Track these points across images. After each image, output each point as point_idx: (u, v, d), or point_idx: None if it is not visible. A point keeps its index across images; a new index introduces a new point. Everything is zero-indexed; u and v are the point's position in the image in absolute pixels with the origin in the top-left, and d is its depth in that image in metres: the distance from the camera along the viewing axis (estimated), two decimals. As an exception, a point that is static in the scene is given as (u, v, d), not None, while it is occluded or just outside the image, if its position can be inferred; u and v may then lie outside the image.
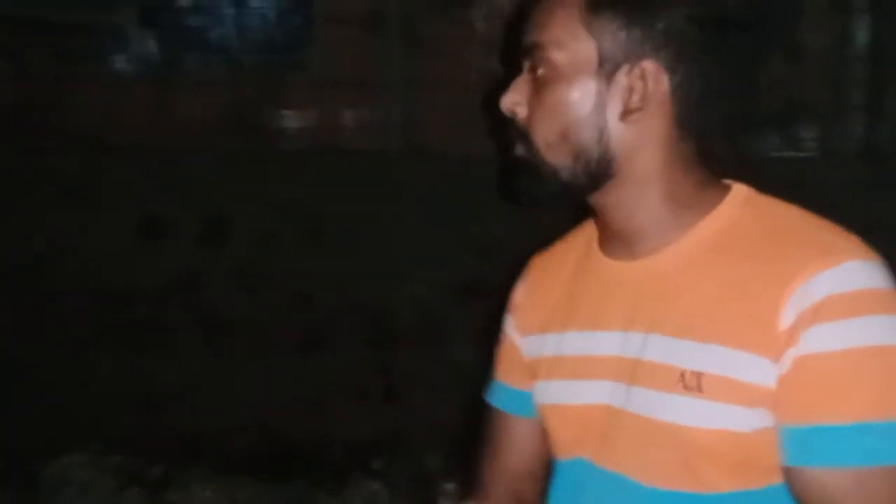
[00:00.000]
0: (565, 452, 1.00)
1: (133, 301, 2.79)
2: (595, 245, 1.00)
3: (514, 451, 1.10)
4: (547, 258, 1.10)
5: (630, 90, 0.91)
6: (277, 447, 2.74)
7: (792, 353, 0.82)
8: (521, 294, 1.10)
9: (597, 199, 0.96)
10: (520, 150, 0.94)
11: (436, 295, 2.63)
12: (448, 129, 2.55)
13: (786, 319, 0.82)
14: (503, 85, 0.95)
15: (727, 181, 0.96)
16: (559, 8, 0.93)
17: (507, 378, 1.11)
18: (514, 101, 0.94)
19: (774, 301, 0.83)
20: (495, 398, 1.13)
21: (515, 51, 0.96)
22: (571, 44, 0.92)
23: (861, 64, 2.34)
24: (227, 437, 2.76)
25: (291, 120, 2.68)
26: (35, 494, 2.64)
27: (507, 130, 0.95)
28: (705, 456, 0.86)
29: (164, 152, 2.68)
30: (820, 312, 0.81)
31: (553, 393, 1.01)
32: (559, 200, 0.96)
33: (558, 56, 0.92)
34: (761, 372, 0.83)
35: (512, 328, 1.11)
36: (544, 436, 1.05)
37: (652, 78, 0.91)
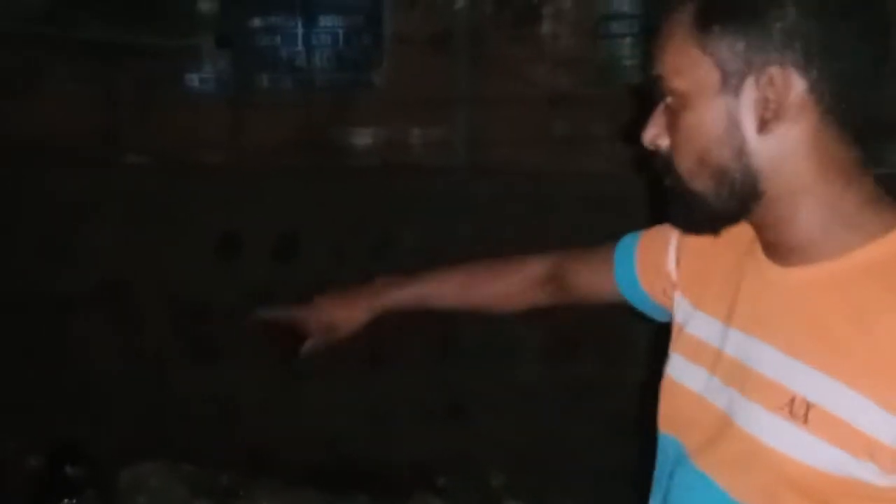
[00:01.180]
0: (666, 429, 1.01)
1: (208, 315, 2.85)
2: (758, 242, 0.96)
3: (583, 277, 1.26)
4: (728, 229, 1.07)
5: (762, 101, 0.86)
6: (343, 462, 2.76)
7: None
8: (694, 241, 1.07)
9: (751, 219, 0.92)
10: (667, 180, 0.93)
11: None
12: (515, 145, 2.55)
13: None
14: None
15: None
16: (669, 34, 0.90)
17: (641, 268, 1.16)
18: (654, 134, 0.93)
19: None
20: (620, 259, 1.20)
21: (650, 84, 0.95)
22: (689, 69, 0.88)
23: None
24: (294, 450, 2.78)
25: (361, 138, 2.71)
26: (111, 500, 2.71)
27: (655, 163, 0.95)
28: (790, 486, 0.83)
29: (239, 171, 2.75)
30: None
31: (670, 364, 1.01)
32: (715, 225, 0.94)
33: (680, 83, 0.89)
34: (889, 428, 0.77)
35: (674, 250, 1.11)
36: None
37: (781, 83, 0.85)
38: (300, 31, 2.70)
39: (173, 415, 2.84)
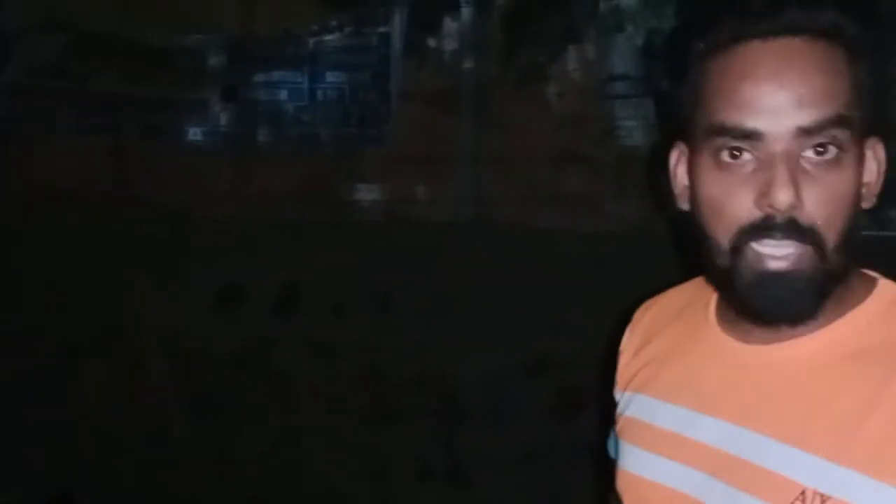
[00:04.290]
0: None
1: (208, 367, 2.83)
2: (711, 314, 0.90)
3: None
4: (651, 313, 1.00)
5: (876, 171, 0.79)
6: (341, 521, 2.72)
7: None
8: (624, 353, 1.02)
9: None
10: (803, 258, 0.77)
11: (505, 370, 2.60)
12: (519, 203, 2.56)
13: None
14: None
15: (869, 272, 0.86)
16: (832, 70, 0.76)
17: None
18: (795, 197, 0.76)
19: None
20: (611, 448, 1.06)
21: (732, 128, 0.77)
22: (853, 113, 0.77)
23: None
24: (292, 505, 2.75)
25: (365, 193, 2.73)
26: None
27: (772, 232, 0.77)
28: None
29: (242, 223, 2.76)
30: None
31: (632, 460, 0.93)
32: (816, 308, 0.81)
33: (847, 134, 0.76)
34: None
35: (615, 390, 1.02)
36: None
37: (882, 152, 0.80)
38: (306, 86, 2.73)
39: (171, 467, 2.81)
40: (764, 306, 0.80)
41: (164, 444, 2.83)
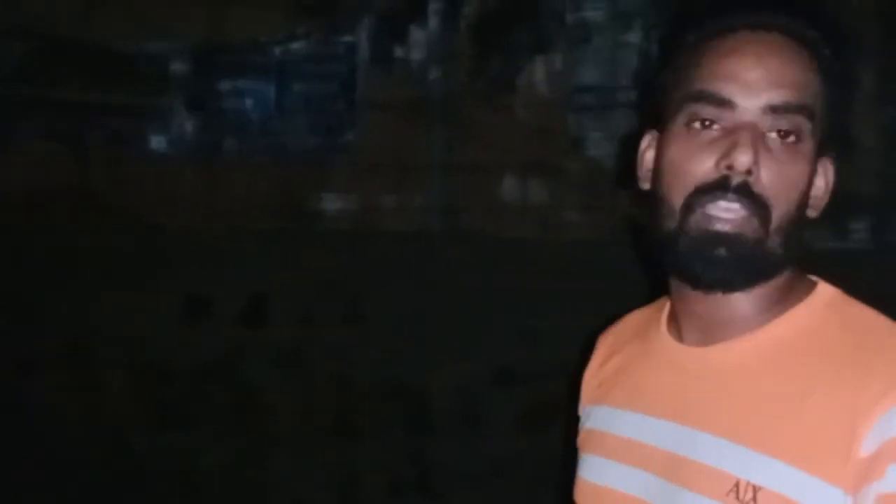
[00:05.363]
0: None
1: (173, 379, 2.80)
2: (663, 324, 0.93)
3: None
4: (613, 332, 1.04)
5: (824, 180, 0.86)
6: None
7: (876, 489, 0.73)
8: (587, 371, 1.05)
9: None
10: (748, 223, 0.81)
11: (474, 380, 2.60)
12: (488, 212, 2.57)
13: (867, 447, 0.74)
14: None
15: (813, 277, 0.89)
16: (807, 69, 0.83)
17: None
18: (755, 162, 0.81)
19: (852, 424, 0.75)
20: None
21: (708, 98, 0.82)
22: (818, 113, 0.83)
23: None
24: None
25: (334, 202, 2.72)
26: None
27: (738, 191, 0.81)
28: None
29: (209, 233, 2.73)
30: None
31: (589, 469, 0.95)
32: (756, 281, 0.85)
33: (811, 125, 0.82)
34: (830, 501, 0.75)
35: (579, 407, 1.05)
36: None
37: (832, 175, 0.86)
38: (273, 94, 2.72)
39: (134, 482, 2.77)
40: (701, 267, 0.84)
41: (126, 459, 2.80)
